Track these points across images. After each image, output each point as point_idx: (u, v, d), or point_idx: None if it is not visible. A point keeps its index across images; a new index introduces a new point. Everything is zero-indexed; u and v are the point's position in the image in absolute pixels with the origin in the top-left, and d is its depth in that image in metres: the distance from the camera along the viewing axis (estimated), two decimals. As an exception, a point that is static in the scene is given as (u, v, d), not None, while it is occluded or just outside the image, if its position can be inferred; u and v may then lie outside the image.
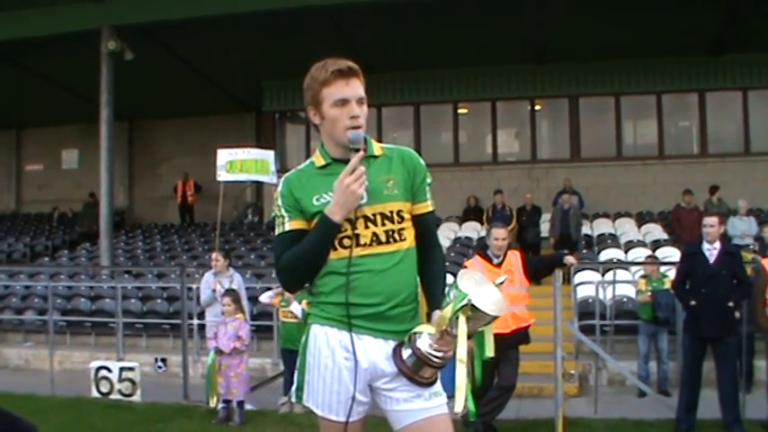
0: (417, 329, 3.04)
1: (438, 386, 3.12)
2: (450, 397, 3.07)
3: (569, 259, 8.61)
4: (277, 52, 18.35)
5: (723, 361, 7.90)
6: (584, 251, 16.84)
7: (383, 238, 3.04)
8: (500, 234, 8.12)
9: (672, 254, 14.41)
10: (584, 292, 13.43)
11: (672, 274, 9.71)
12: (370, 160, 3.09)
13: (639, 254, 15.25)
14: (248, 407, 9.43)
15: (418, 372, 3.01)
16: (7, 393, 10.10)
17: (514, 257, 8.19)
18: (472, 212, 19.76)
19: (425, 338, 2.98)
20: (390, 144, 3.26)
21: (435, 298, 3.14)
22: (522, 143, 22.24)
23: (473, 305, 2.88)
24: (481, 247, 11.15)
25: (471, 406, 3.12)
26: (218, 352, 9.11)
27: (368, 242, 3.03)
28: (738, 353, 8.49)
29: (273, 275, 13.06)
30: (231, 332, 9.10)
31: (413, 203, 3.14)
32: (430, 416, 3.08)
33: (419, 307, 3.17)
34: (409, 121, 22.23)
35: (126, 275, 17.54)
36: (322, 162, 3.14)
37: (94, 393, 10.52)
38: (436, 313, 3.05)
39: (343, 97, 3.03)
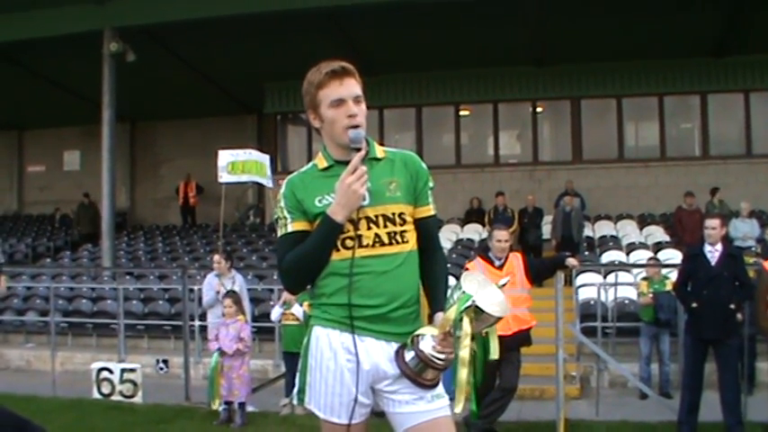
0: (420, 331, 3.04)
1: (440, 388, 3.12)
2: (453, 399, 3.08)
3: (571, 261, 8.61)
4: (279, 54, 18.37)
5: (725, 363, 7.88)
6: (586, 253, 16.84)
7: (386, 240, 3.05)
8: (502, 236, 8.12)
9: (673, 256, 14.41)
10: (585, 294, 13.43)
11: (673, 276, 9.71)
12: (372, 162, 3.10)
13: (641, 256, 15.25)
14: (250, 408, 9.43)
15: (421, 374, 3.01)
16: (9, 394, 10.10)
17: (516, 259, 8.19)
18: (474, 214, 19.75)
19: (428, 340, 2.98)
20: (392, 147, 3.27)
21: (437, 300, 3.15)
22: (523, 145, 22.25)
23: (477, 307, 2.89)
24: (483, 249, 11.13)
25: (473, 407, 3.12)
26: (221, 353, 9.11)
27: (370, 243, 3.03)
28: (740, 355, 8.48)
29: (275, 277, 13.07)
30: (233, 334, 9.10)
31: (415, 207, 3.15)
32: (432, 418, 3.08)
33: (421, 309, 3.17)
34: (411, 122, 22.24)
35: (127, 277, 17.55)
36: (324, 164, 3.14)
37: (96, 395, 10.52)
38: (439, 315, 3.05)
39: (338, 97, 3.04)
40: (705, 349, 7.95)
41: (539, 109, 21.87)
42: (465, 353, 2.94)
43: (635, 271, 13.69)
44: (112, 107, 17.98)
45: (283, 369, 10.66)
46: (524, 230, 18.04)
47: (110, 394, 10.47)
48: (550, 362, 9.12)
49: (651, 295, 10.86)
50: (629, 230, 18.22)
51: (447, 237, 18.25)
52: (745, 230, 15.92)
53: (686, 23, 17.16)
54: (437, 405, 3.08)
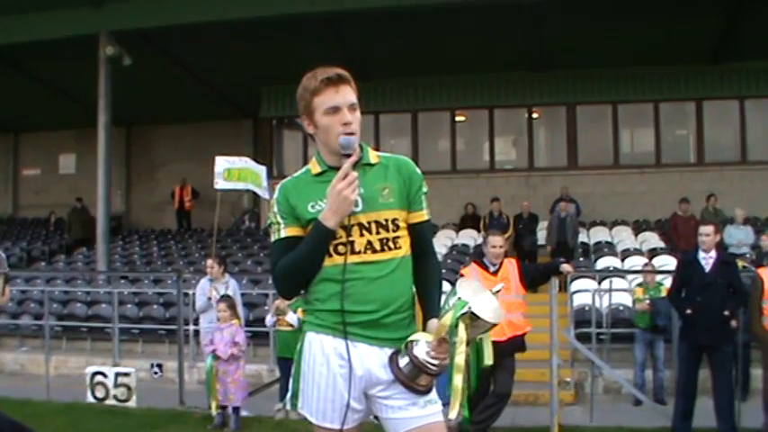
0: (414, 337, 3.04)
1: (433, 394, 3.12)
2: (446, 404, 3.08)
3: (566, 267, 8.62)
4: (275, 59, 18.38)
5: (719, 369, 7.90)
6: (581, 259, 16.85)
7: (378, 246, 3.04)
8: (497, 242, 8.11)
9: (668, 262, 14.40)
10: (580, 300, 13.43)
11: (668, 282, 9.72)
12: (366, 168, 3.11)
13: (636, 262, 15.25)
14: (244, 413, 9.42)
15: (415, 379, 3.01)
16: (2, 398, 10.05)
17: (511, 265, 8.19)
18: (469, 220, 19.76)
19: (422, 346, 2.99)
20: (387, 152, 3.27)
21: (432, 306, 3.14)
22: (519, 151, 22.27)
23: (473, 313, 2.89)
24: (477, 255, 11.15)
25: (465, 412, 3.13)
26: (216, 357, 9.10)
27: (362, 250, 3.03)
28: (734, 361, 8.49)
29: (270, 281, 13.06)
30: (227, 338, 9.09)
31: (408, 212, 3.15)
32: (425, 423, 3.07)
33: (415, 315, 3.17)
34: (407, 128, 22.25)
35: (122, 281, 17.53)
36: (318, 170, 3.14)
37: (90, 399, 10.50)
38: (433, 321, 3.04)
39: (334, 105, 3.04)
40: (699, 356, 7.97)
41: (534, 115, 21.90)
42: (461, 359, 2.94)
43: (630, 277, 13.71)
44: (108, 111, 17.98)
45: (278, 374, 10.65)
46: (519, 236, 18.05)
47: (104, 398, 10.44)
48: (545, 367, 9.12)
49: (648, 301, 10.87)
50: (624, 237, 18.24)
51: (442, 242, 18.25)
52: (739, 237, 15.92)
53: (682, 30, 17.20)
54: (430, 411, 3.08)
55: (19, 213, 26.94)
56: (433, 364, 2.97)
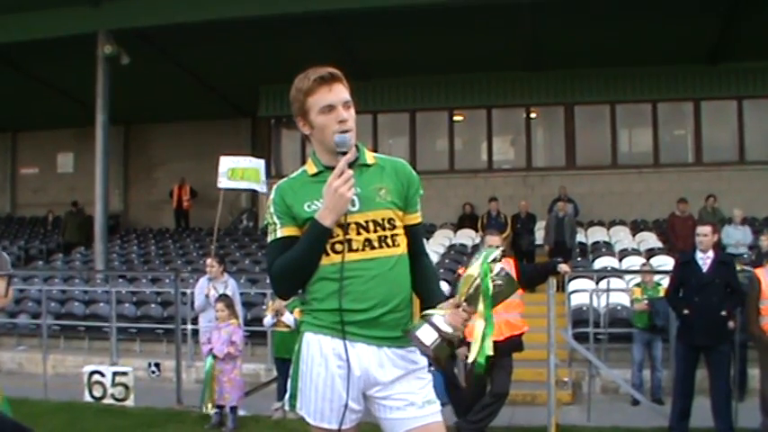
0: (426, 312, 3.06)
1: (431, 394, 3.12)
2: (444, 404, 3.08)
3: (563, 267, 8.63)
4: (273, 58, 18.36)
5: (716, 369, 7.91)
6: (579, 259, 16.85)
7: (376, 244, 3.05)
8: (494, 241, 8.12)
9: (666, 262, 14.40)
10: (578, 299, 13.43)
11: (665, 282, 9.73)
12: (362, 168, 3.12)
13: (634, 262, 15.25)
14: (241, 413, 9.42)
15: (437, 350, 2.99)
16: (0, 397, 10.05)
17: (508, 265, 8.17)
18: (467, 219, 19.75)
19: (438, 317, 3.00)
20: (384, 154, 3.28)
21: (434, 296, 3.17)
22: (517, 150, 22.27)
23: (507, 273, 2.98)
24: (475, 254, 11.14)
25: (482, 358, 3.13)
26: (215, 357, 9.10)
27: (360, 247, 3.04)
28: (732, 361, 8.50)
29: (268, 281, 13.06)
30: (225, 337, 9.10)
31: (404, 213, 3.16)
32: (423, 424, 3.08)
33: (412, 314, 3.18)
34: (405, 127, 22.24)
35: (120, 280, 17.51)
36: (314, 170, 3.15)
37: (87, 398, 10.49)
38: (447, 303, 3.07)
39: (328, 103, 3.05)
40: (696, 356, 7.98)
41: (532, 115, 21.90)
42: (481, 306, 2.97)
43: (627, 277, 13.72)
44: (106, 110, 17.95)
45: (275, 373, 10.65)
46: (517, 236, 18.04)
47: (101, 397, 10.43)
48: (542, 367, 9.13)
49: (647, 302, 10.88)
50: (621, 236, 18.25)
51: (440, 242, 18.25)
52: (737, 237, 15.94)
53: (680, 30, 17.21)
54: (428, 411, 3.09)
55: (17, 212, 26.92)
56: (450, 332, 2.97)
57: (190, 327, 12.82)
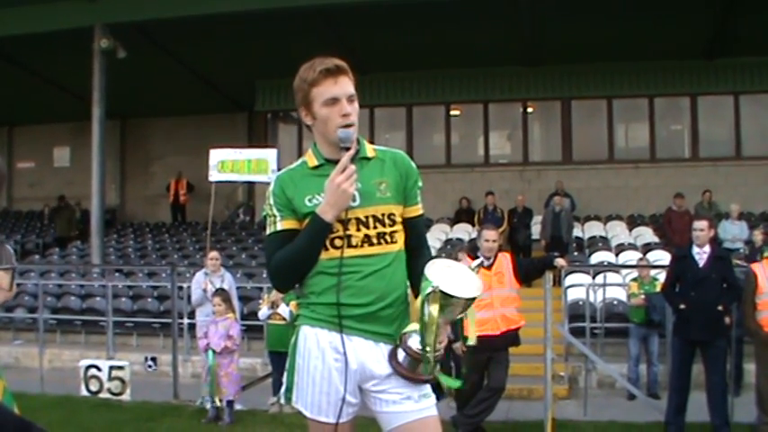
0: (407, 329, 3.05)
1: (427, 388, 3.12)
2: (439, 398, 3.09)
3: (560, 261, 8.63)
4: (270, 52, 18.34)
5: (712, 364, 7.91)
6: (575, 254, 16.88)
7: (374, 240, 3.05)
8: (491, 236, 8.13)
9: (663, 257, 14.43)
10: (574, 294, 13.45)
11: (662, 277, 9.73)
12: (362, 162, 3.10)
13: (630, 257, 15.28)
14: (238, 407, 9.42)
15: (415, 370, 3.01)
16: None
17: (505, 259, 8.20)
18: (464, 214, 19.75)
19: (415, 337, 2.99)
20: (382, 146, 3.27)
21: None
22: (514, 145, 22.27)
23: (442, 291, 2.87)
24: (471, 249, 11.16)
25: (448, 382, 3.12)
26: (214, 352, 9.08)
27: (359, 243, 3.03)
28: (728, 356, 8.51)
29: (265, 275, 13.05)
30: (222, 331, 9.10)
31: (404, 206, 3.15)
32: (419, 417, 3.08)
33: (409, 309, 3.18)
34: (401, 122, 22.24)
35: (117, 274, 17.49)
36: (315, 162, 3.14)
37: (84, 392, 10.49)
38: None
39: (333, 96, 3.03)
40: (693, 350, 7.98)
41: (529, 109, 21.91)
42: (431, 339, 2.92)
43: (624, 272, 13.73)
44: (103, 104, 17.90)
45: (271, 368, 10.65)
46: (514, 230, 18.06)
47: (98, 392, 10.43)
48: (539, 362, 9.15)
49: (643, 297, 10.89)
50: (618, 231, 18.27)
51: (436, 236, 18.25)
52: (734, 232, 15.96)
53: (677, 25, 17.20)
54: (424, 405, 3.08)
55: (13, 206, 26.86)
56: (425, 352, 2.95)
57: (186, 321, 12.83)
